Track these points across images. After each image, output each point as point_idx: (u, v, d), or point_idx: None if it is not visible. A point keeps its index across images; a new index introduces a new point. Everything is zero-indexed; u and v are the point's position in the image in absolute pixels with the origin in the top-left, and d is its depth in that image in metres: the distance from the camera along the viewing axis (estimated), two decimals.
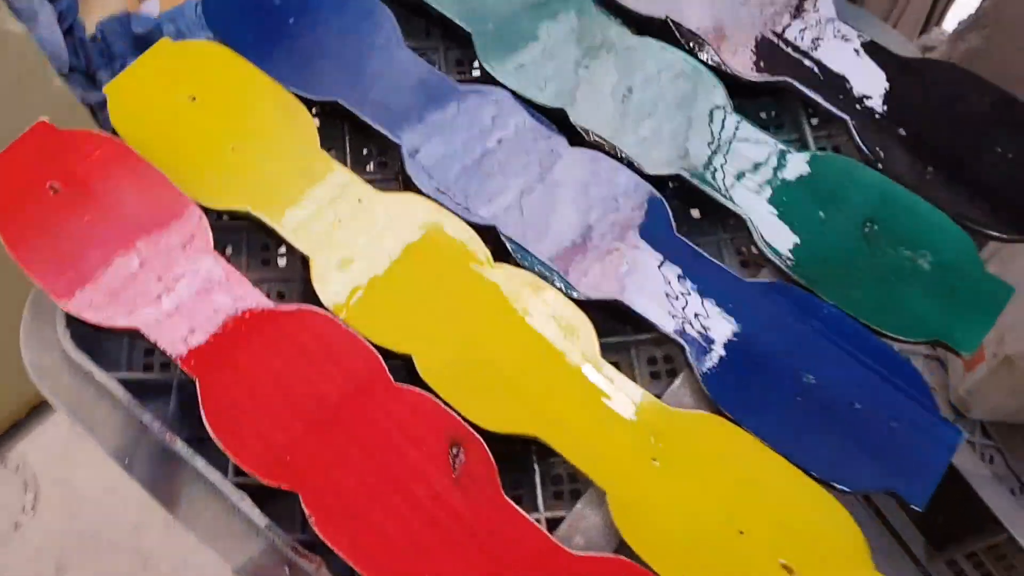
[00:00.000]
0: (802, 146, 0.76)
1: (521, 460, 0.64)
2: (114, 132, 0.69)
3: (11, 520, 1.47)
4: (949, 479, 1.18)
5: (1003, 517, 1.19)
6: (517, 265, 0.66)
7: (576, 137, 0.72)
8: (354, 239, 0.66)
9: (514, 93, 0.73)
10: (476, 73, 0.81)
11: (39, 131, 0.68)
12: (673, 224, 0.68)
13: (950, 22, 1.60)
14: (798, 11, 0.77)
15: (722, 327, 0.64)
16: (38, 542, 1.47)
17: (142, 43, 1.63)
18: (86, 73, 1.60)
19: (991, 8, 1.35)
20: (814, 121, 0.77)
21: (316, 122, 0.72)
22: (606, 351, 0.64)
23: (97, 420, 0.63)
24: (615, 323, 0.67)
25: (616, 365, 0.66)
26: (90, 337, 0.65)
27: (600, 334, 0.63)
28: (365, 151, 0.76)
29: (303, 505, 0.57)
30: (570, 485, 0.64)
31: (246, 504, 0.59)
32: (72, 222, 0.65)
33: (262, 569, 0.59)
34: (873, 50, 0.76)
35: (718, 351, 0.63)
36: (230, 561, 0.59)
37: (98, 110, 1.57)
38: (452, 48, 0.81)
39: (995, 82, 1.44)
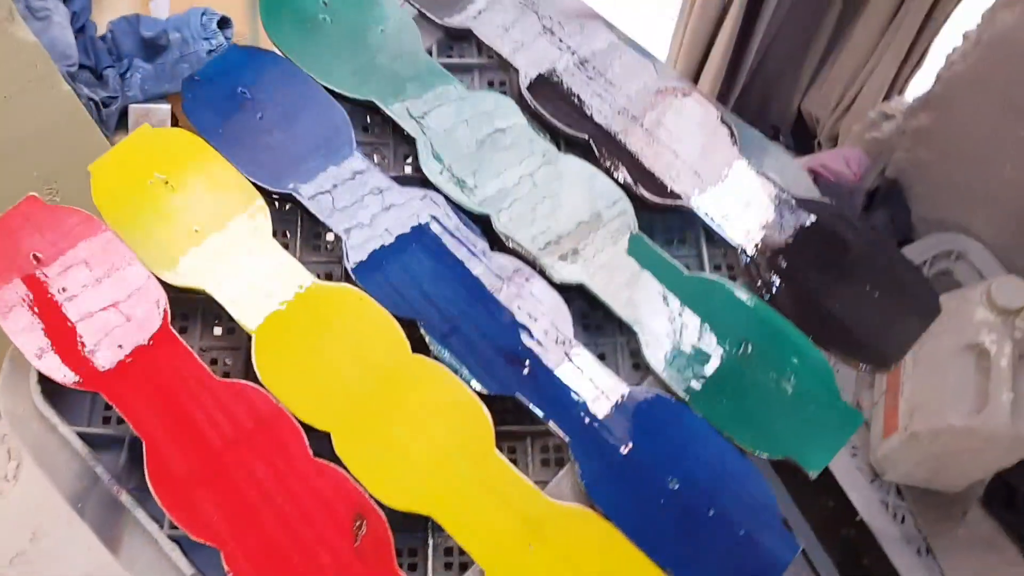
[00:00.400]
0: (699, 264, 0.85)
1: (419, 530, 0.74)
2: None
3: None
4: (870, 534, 1.27)
5: None
6: (435, 357, 0.75)
7: (498, 242, 0.81)
8: (293, 322, 0.76)
9: (446, 197, 0.82)
10: None
11: (28, 205, 0.77)
12: (572, 328, 0.77)
13: (911, 92, 1.68)
14: (706, 150, 0.86)
15: (605, 429, 0.74)
16: (17, 510, 1.57)
17: (149, 46, 1.72)
18: (94, 71, 1.69)
19: (940, 92, 1.44)
20: (713, 240, 0.86)
21: (275, 205, 0.81)
22: (504, 438, 0.73)
23: (58, 467, 0.73)
24: (516, 413, 0.76)
25: (512, 451, 0.76)
26: (59, 392, 0.75)
27: (502, 422, 0.73)
28: (316, 235, 0.86)
29: (223, 561, 0.67)
30: (460, 557, 0.74)
31: (176, 555, 0.69)
32: (48, 291, 0.75)
33: None
34: (770, 187, 0.84)
35: (598, 451, 0.73)
36: None
37: (102, 107, 1.66)
38: (401, 144, 0.90)
39: (939, 161, 1.52)
